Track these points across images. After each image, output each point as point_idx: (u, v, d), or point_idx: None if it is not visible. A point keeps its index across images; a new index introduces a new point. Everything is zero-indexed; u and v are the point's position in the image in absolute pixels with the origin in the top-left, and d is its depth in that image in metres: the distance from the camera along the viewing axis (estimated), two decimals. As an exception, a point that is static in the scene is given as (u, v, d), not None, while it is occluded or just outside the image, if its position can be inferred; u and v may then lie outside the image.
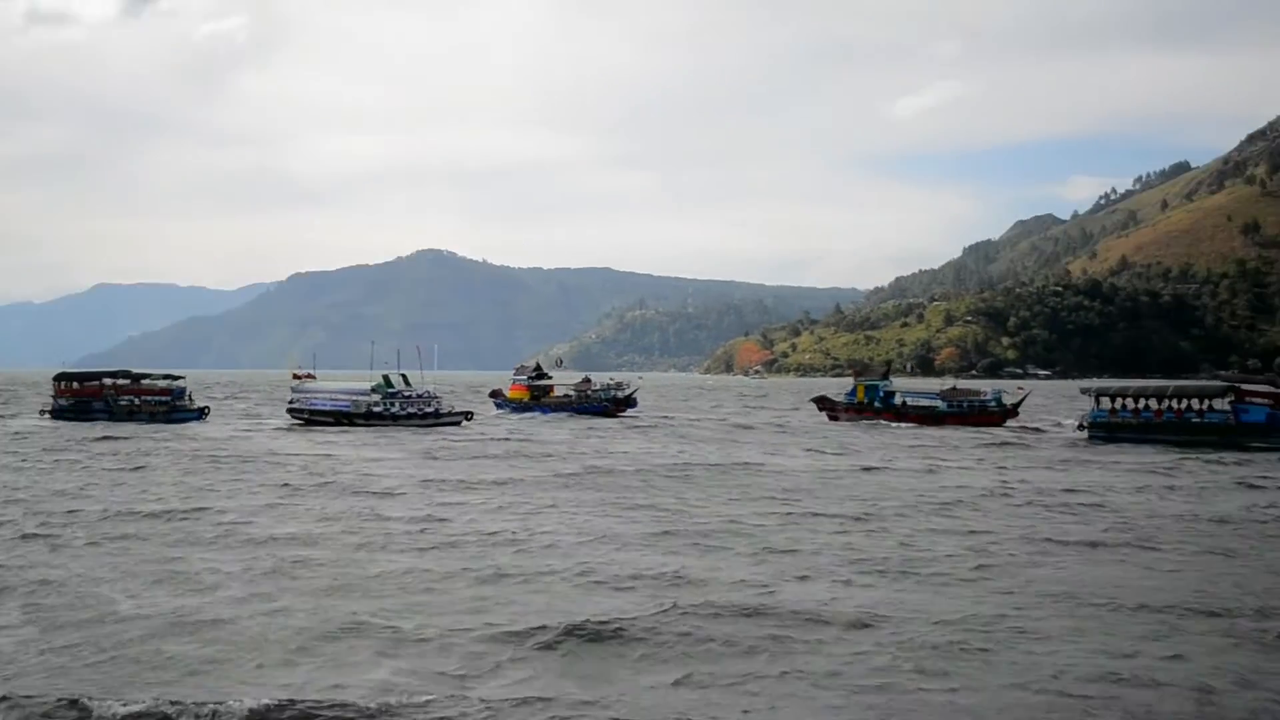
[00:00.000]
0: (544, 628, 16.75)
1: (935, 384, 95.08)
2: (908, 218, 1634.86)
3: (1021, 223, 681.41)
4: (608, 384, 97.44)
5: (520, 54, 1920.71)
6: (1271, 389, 57.37)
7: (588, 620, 17.11)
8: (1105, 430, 59.88)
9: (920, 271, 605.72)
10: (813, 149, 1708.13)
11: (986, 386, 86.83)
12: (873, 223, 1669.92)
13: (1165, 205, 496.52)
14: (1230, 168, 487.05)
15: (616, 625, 16.97)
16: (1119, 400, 61.15)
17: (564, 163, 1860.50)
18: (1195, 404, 57.72)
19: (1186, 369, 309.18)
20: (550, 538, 25.66)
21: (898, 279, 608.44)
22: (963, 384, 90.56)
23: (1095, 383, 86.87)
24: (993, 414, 74.33)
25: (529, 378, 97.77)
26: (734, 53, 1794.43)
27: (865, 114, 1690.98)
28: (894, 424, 74.88)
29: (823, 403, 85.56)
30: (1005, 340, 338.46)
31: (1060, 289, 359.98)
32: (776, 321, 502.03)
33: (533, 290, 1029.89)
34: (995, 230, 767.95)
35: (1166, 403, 58.95)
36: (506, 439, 60.95)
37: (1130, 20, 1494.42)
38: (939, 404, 76.54)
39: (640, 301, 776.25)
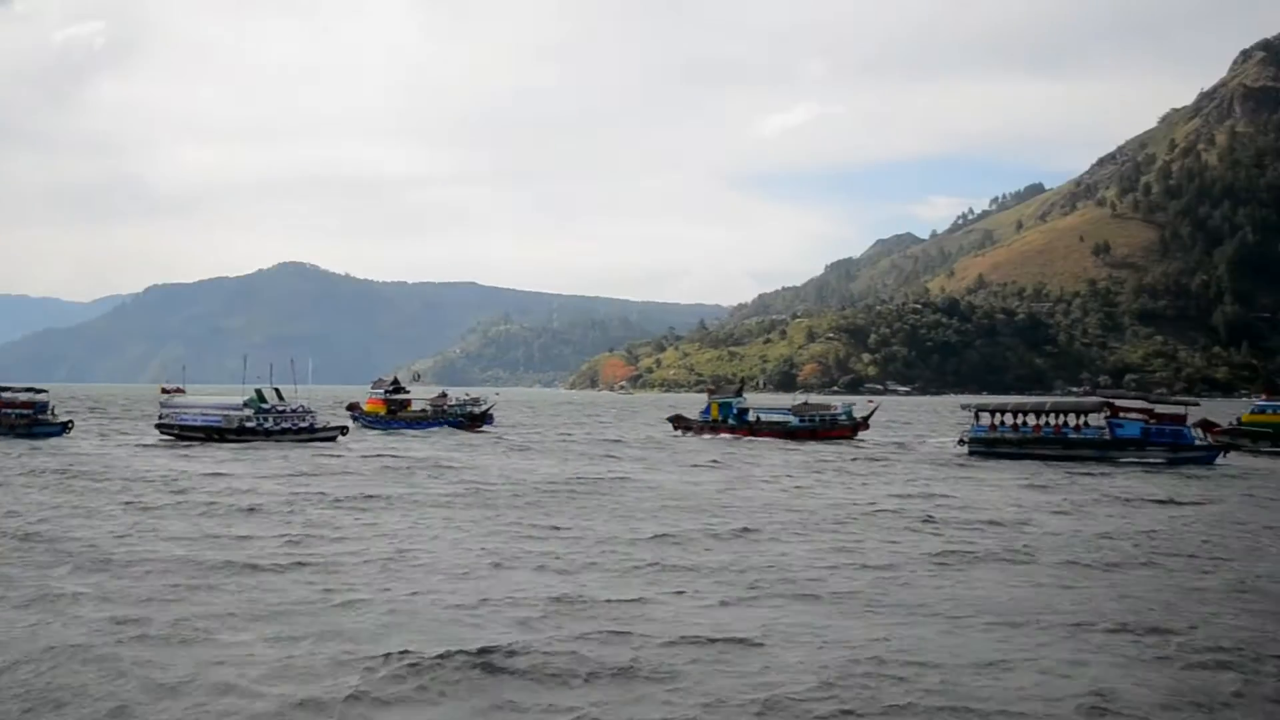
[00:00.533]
0: (427, 655, 15.96)
1: (788, 400, 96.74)
2: (772, 235, 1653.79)
3: (882, 241, 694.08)
4: (463, 399, 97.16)
5: (389, 67, 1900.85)
6: (1144, 405, 59.84)
7: (477, 648, 16.33)
8: (985, 445, 60.65)
9: (783, 289, 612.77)
10: (679, 165, 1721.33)
11: (838, 401, 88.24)
12: (738, 239, 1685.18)
13: (1020, 225, 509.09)
14: (1082, 190, 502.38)
15: (508, 651, 16.25)
16: (999, 416, 61.91)
17: (430, 177, 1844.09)
18: (1072, 420, 59.09)
19: (1041, 385, 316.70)
20: (431, 557, 24.97)
21: (761, 296, 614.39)
22: (814, 399, 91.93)
23: (971, 399, 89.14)
24: (843, 428, 75.47)
25: (385, 392, 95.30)
26: (604, 70, 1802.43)
27: (732, 132, 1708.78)
28: (748, 439, 74.93)
29: (678, 421, 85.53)
30: (866, 357, 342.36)
31: (919, 307, 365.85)
32: (642, 337, 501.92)
33: (397, 304, 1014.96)
34: (857, 248, 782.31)
35: (1044, 419, 60.06)
36: (379, 455, 59.01)
37: (988, 46, 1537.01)
38: (791, 419, 77.31)
39: (505, 316, 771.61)
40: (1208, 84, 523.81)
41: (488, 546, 26.52)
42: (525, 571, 23.18)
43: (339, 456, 57.79)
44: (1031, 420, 60.35)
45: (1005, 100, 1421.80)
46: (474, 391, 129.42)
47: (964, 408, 67.80)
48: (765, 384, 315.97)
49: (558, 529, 30.11)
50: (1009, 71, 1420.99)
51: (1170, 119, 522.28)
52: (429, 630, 17.74)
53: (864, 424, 76.51)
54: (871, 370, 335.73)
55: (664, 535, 28.80)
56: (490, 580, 22.30)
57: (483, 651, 16.09)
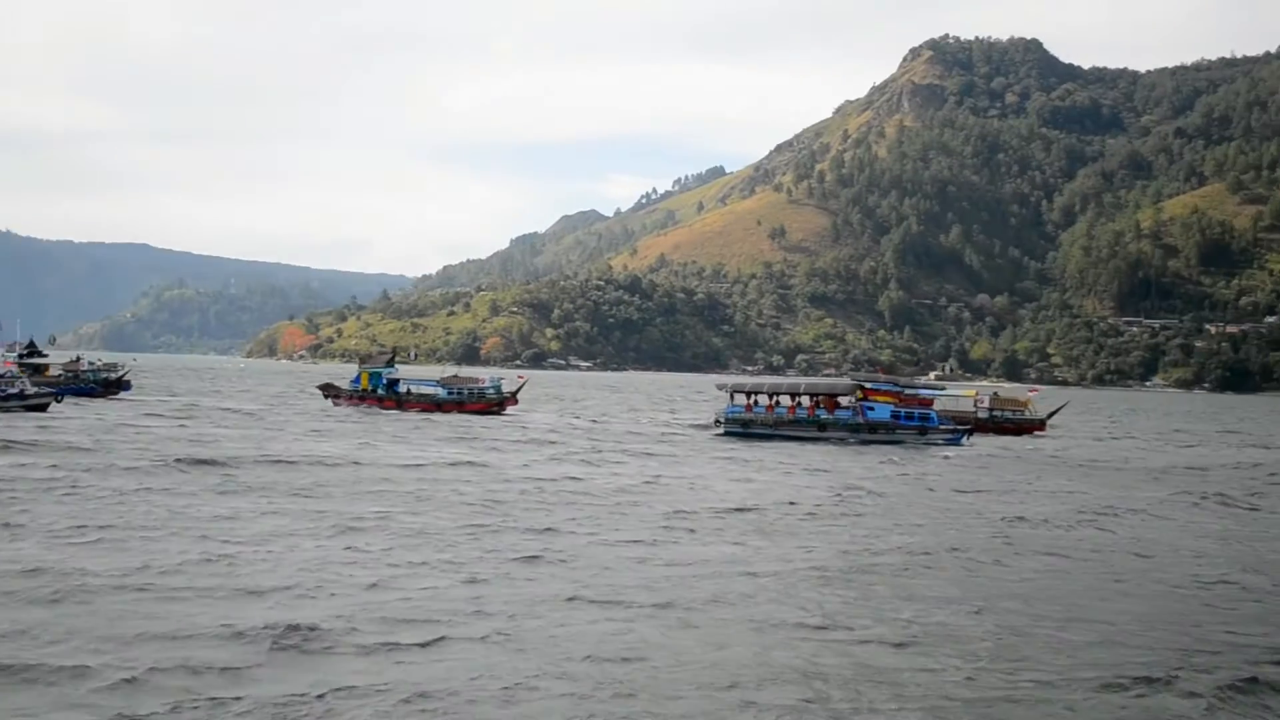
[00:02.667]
0: None
1: (438, 372, 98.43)
2: (459, 207, 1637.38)
3: (567, 217, 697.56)
4: (98, 365, 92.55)
5: (54, 16, 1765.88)
6: (893, 389, 62.24)
7: None
8: (740, 426, 61.02)
9: (468, 261, 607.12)
10: (366, 134, 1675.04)
11: (486, 375, 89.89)
12: (425, 211, 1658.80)
13: (701, 207, 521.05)
14: (761, 175, 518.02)
15: None
16: (754, 397, 63.02)
17: (98, 133, 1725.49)
18: (825, 402, 60.84)
19: (718, 364, 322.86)
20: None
21: (446, 268, 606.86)
22: (464, 373, 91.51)
23: (725, 379, 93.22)
24: (491, 401, 75.62)
25: (19, 356, 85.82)
26: (289, 34, 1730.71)
27: (422, 103, 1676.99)
28: (396, 411, 74.08)
29: (328, 389, 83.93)
30: (549, 332, 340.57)
31: (602, 283, 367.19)
32: (324, 306, 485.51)
33: (63, 265, 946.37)
34: (543, 224, 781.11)
35: (799, 400, 61.37)
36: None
37: (676, 30, 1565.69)
38: (440, 391, 77.16)
39: (180, 281, 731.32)
40: (879, 79, 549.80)
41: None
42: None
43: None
44: (786, 401, 61.42)
45: (690, 84, 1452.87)
46: (141, 358, 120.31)
47: (720, 388, 68.68)
48: (448, 357, 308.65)
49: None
50: (694, 56, 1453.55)
51: (844, 110, 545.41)
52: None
53: (512, 399, 77.08)
54: (554, 345, 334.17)
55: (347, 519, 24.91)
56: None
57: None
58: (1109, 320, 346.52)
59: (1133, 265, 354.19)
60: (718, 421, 63.13)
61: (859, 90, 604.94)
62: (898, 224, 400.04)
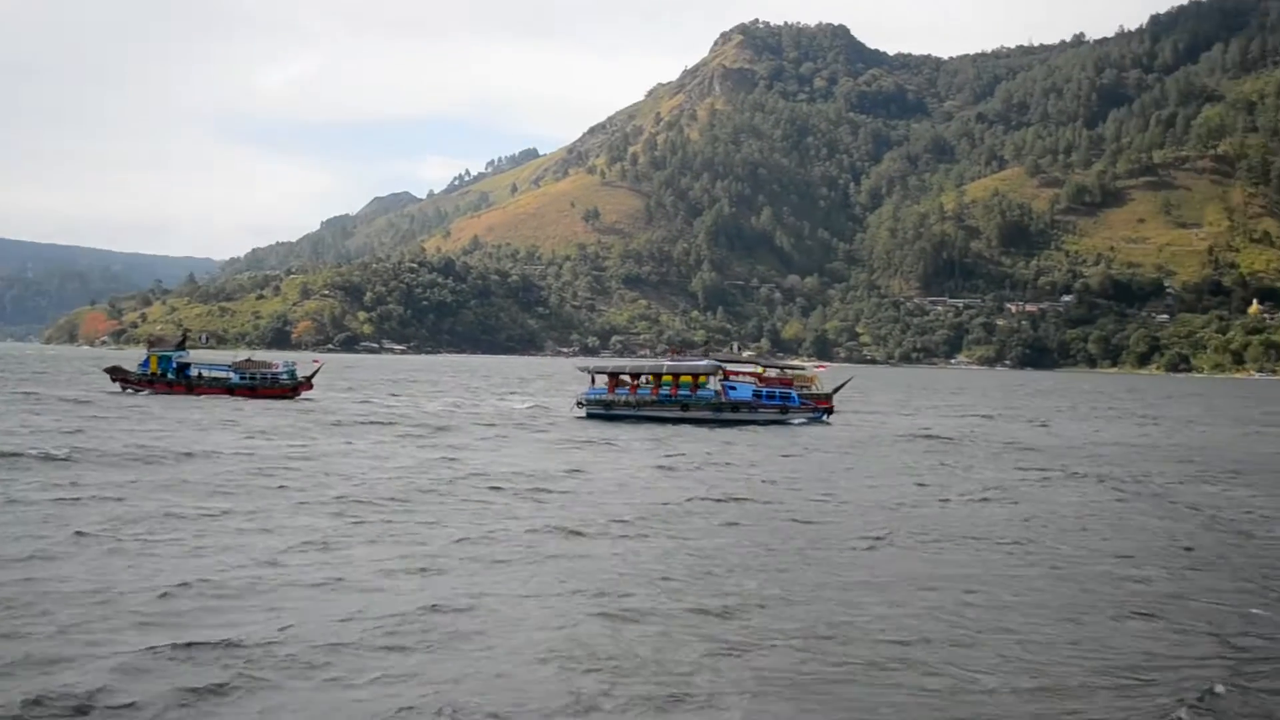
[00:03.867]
0: None
1: (230, 356, 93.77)
2: (267, 189, 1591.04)
3: (379, 199, 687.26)
4: None
5: None
6: (755, 369, 63.42)
7: None
8: (603, 407, 60.72)
9: (278, 244, 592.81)
10: (169, 114, 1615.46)
11: (280, 359, 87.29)
12: (231, 193, 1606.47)
13: (515, 189, 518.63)
14: (574, 157, 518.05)
15: None
16: (617, 378, 62.54)
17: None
18: (689, 383, 60.33)
19: (534, 346, 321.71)
20: None
21: (254, 250, 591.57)
22: (258, 356, 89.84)
23: (587, 361, 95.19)
24: (284, 386, 74.06)
25: None
26: (87, 9, 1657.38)
27: (228, 82, 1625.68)
28: (187, 396, 71.50)
29: (115, 372, 79.07)
30: (362, 315, 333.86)
31: (415, 266, 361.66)
32: (127, 290, 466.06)
33: None
34: (354, 206, 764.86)
35: (661, 380, 60.92)
36: None
37: (487, 10, 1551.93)
38: (232, 376, 74.92)
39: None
40: (691, 62, 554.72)
41: None
42: None
43: None
44: (649, 382, 61.31)
45: (504, 65, 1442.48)
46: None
47: (581, 370, 68.05)
48: (258, 341, 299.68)
49: None
50: (508, 37, 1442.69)
51: (656, 93, 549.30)
52: None
53: (307, 383, 75.00)
54: (367, 328, 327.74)
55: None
56: None
57: None
58: (915, 300, 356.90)
59: (937, 246, 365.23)
60: (579, 404, 62.73)
61: (671, 73, 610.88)
62: (710, 206, 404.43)
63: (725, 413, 58.53)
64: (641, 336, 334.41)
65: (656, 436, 47.85)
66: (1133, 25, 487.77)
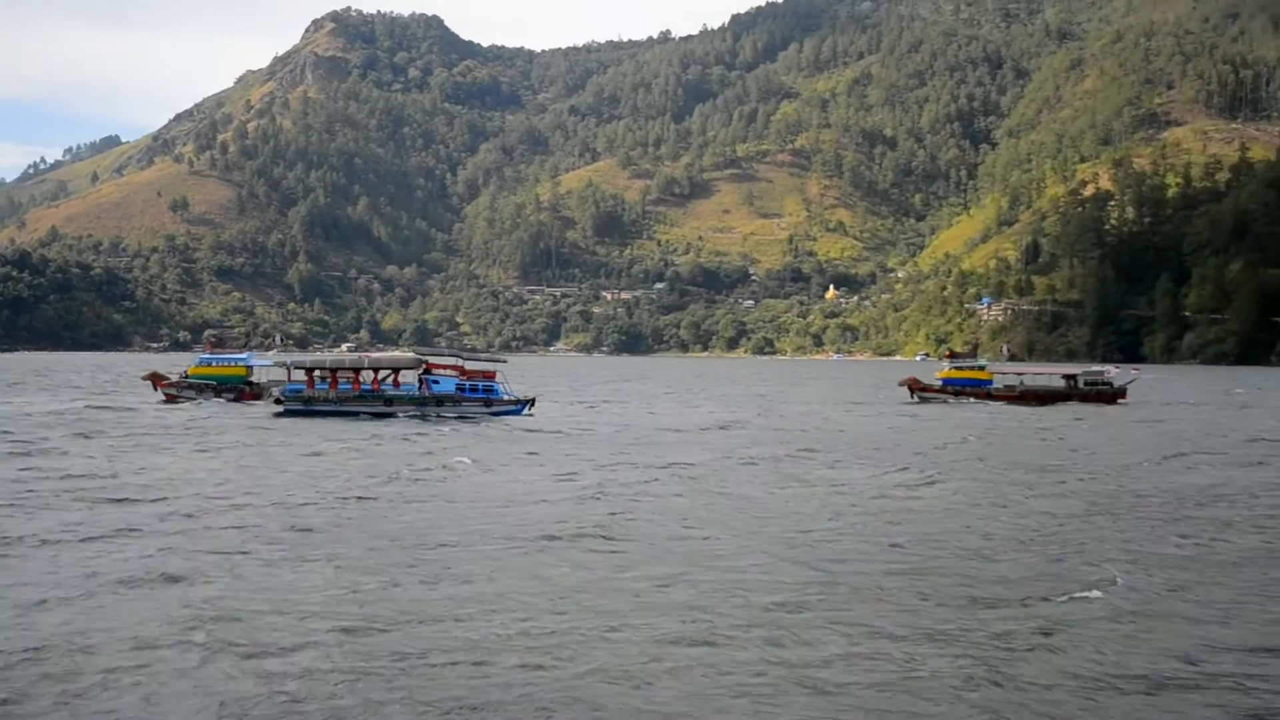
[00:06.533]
0: None
1: None
2: None
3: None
4: None
5: None
6: (456, 362, 63.27)
7: None
8: (302, 403, 59.56)
9: None
10: None
11: None
12: None
13: (96, 178, 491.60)
14: (160, 145, 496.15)
15: None
16: (316, 372, 61.26)
17: None
18: (389, 377, 61.25)
19: (120, 341, 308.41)
20: None
21: None
22: None
23: (285, 356, 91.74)
24: None
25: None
26: None
27: None
28: None
29: None
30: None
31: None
32: None
33: None
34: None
35: (363, 375, 60.93)
36: None
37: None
38: None
39: None
40: (282, 49, 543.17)
41: None
42: None
43: None
44: (349, 376, 60.67)
45: (81, 48, 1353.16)
46: None
47: (279, 365, 68.20)
48: None
49: None
50: (82, 17, 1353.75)
51: (246, 80, 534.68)
52: None
53: None
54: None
55: None
56: None
57: None
58: (514, 289, 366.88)
59: (534, 236, 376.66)
60: (277, 400, 60.99)
61: (261, 60, 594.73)
62: (304, 196, 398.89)
63: (429, 406, 59.18)
64: (236, 330, 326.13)
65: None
66: (715, 24, 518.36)
